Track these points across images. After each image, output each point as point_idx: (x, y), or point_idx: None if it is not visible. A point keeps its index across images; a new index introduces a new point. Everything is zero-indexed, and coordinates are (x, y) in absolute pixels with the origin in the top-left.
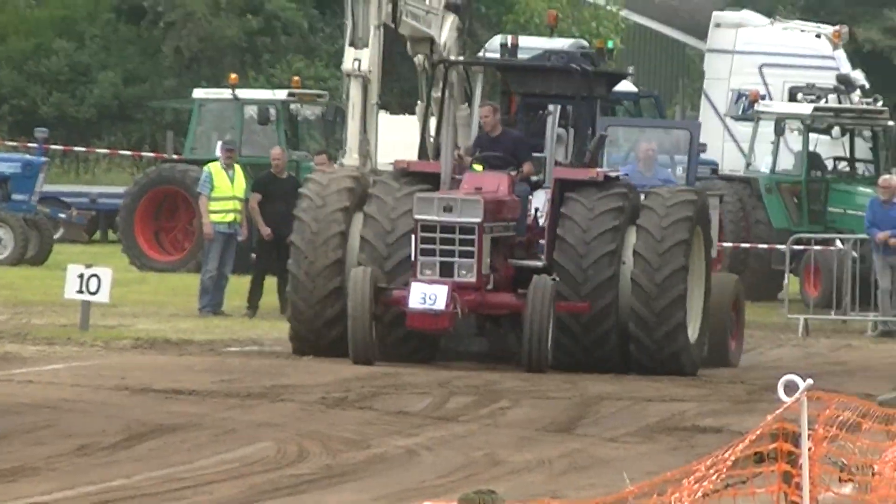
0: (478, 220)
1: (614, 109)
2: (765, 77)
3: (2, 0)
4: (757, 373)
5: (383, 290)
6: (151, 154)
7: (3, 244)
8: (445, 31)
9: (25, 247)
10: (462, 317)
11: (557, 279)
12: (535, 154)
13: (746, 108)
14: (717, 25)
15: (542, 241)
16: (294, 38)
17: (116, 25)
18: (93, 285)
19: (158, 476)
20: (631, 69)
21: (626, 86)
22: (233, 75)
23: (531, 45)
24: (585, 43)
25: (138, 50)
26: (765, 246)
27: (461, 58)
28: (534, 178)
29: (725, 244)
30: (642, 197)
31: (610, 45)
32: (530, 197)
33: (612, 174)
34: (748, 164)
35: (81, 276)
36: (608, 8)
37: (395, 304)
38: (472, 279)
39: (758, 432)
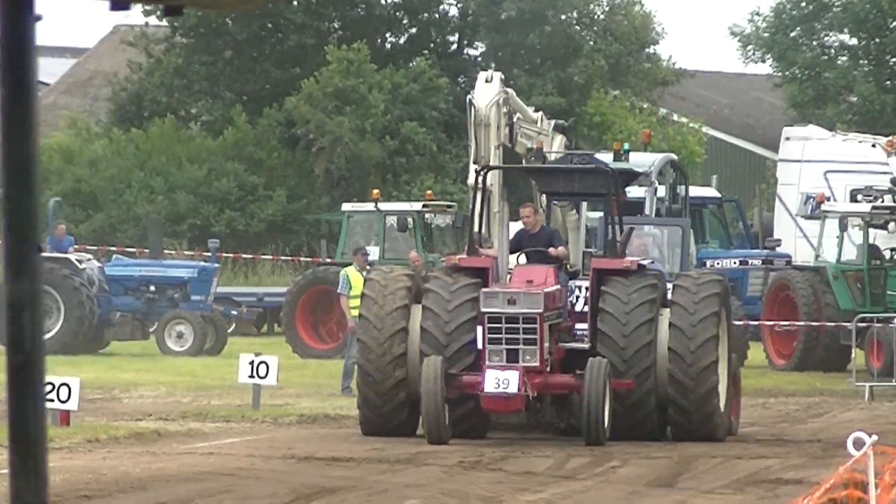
0: (539, 310)
1: (701, 213)
2: (829, 181)
3: (178, 134)
4: (830, 433)
5: (454, 377)
6: (308, 259)
7: (185, 338)
8: (555, 149)
9: (204, 339)
10: (531, 399)
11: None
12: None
13: (814, 208)
14: (787, 139)
15: (578, 325)
16: (426, 158)
17: (280, 151)
18: (262, 371)
19: None
20: (714, 177)
21: (709, 192)
22: (375, 191)
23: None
24: (674, 156)
25: (295, 172)
26: (833, 324)
27: (510, 165)
28: (571, 269)
29: (799, 324)
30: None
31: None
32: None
33: (643, 262)
34: (817, 256)
35: (252, 363)
36: (691, 125)
37: (468, 388)
38: (536, 363)
39: (831, 482)
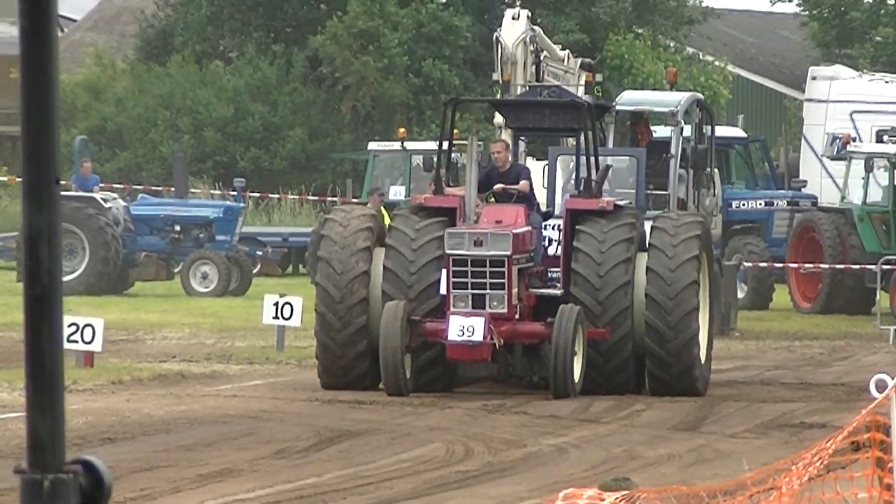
0: (507, 252)
1: (727, 153)
2: (855, 122)
3: (202, 75)
4: (854, 376)
5: (416, 323)
6: (334, 198)
7: (209, 278)
8: (581, 88)
9: (228, 280)
10: (498, 347)
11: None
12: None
13: (840, 149)
14: (814, 79)
15: (552, 270)
16: (451, 97)
17: (302, 90)
18: (286, 312)
19: (345, 474)
20: (740, 117)
21: (735, 132)
22: (401, 129)
23: (653, 98)
24: (700, 95)
25: (320, 110)
26: (859, 267)
27: (478, 98)
28: (544, 209)
29: (824, 266)
30: (648, 225)
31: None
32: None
33: (620, 203)
34: (843, 197)
35: (277, 304)
36: (716, 64)
37: (431, 336)
38: (504, 310)
39: (854, 424)
